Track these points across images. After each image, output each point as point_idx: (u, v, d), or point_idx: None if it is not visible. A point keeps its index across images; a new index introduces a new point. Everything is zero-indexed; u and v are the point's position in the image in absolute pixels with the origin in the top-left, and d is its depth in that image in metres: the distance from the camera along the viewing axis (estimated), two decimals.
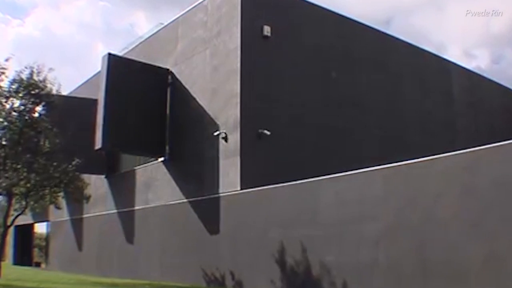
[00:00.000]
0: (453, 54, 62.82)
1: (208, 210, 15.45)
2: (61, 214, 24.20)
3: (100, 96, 16.79)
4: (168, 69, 18.13)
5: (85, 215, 22.87)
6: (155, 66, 18.20)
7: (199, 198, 15.97)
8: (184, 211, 16.38)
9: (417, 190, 10.18)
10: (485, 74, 24.84)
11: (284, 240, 12.62)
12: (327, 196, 11.90)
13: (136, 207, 19.00)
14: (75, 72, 64.00)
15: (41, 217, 27.38)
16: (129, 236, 19.26)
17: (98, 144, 16.48)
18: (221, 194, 15.03)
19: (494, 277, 8.68)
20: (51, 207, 21.06)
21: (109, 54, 17.17)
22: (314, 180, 12.22)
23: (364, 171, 11.09)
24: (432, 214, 9.79)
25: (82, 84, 24.07)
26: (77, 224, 23.67)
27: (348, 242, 11.13)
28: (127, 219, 19.50)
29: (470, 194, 9.24)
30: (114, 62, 17.16)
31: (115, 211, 20.32)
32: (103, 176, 21.37)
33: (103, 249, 21.24)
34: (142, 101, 17.45)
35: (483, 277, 8.83)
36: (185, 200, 16.51)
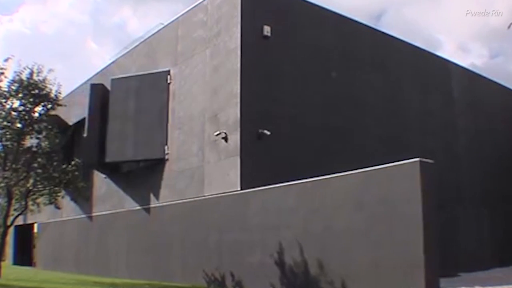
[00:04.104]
0: (448, 49, 62.48)
1: (160, 217, 17.32)
2: (49, 215, 24.54)
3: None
4: (167, 71, 18.11)
5: (69, 217, 23.38)
6: (151, 73, 18.45)
7: (149, 206, 17.75)
8: (147, 217, 18.09)
9: (320, 204, 11.91)
10: (481, 70, 24.85)
11: (221, 243, 14.51)
12: (254, 206, 13.65)
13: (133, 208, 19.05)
14: (64, 68, 63.70)
15: (30, 218, 27.54)
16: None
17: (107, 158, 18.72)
18: (164, 203, 17.06)
19: (378, 279, 10.34)
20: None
21: (93, 84, 20.23)
22: (245, 192, 13.91)
23: (281, 186, 12.87)
24: (330, 225, 11.53)
25: (83, 83, 24.00)
26: (60, 225, 24.32)
27: (270, 245, 12.83)
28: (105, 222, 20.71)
29: (360, 209, 10.89)
30: (98, 90, 19.78)
31: (111, 212, 20.32)
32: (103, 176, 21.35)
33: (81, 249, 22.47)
34: (141, 109, 18.18)
35: (369, 278, 10.53)
36: (156, 205, 17.77)
